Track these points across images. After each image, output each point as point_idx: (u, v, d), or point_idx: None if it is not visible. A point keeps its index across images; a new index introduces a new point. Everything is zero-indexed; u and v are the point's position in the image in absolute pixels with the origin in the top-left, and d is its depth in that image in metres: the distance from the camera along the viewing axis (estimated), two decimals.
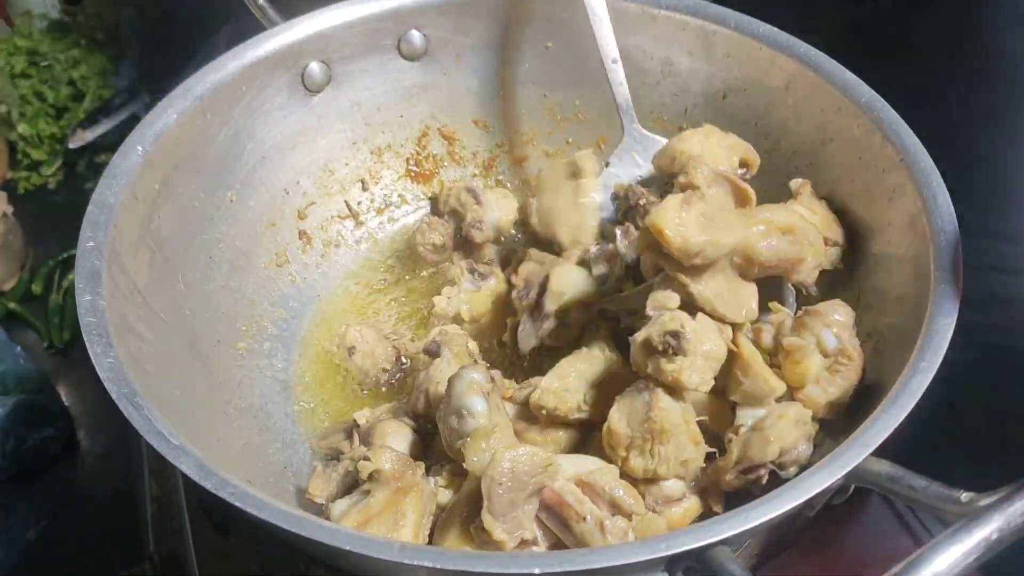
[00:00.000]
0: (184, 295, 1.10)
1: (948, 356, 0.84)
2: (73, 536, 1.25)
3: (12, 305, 1.52)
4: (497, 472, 0.87)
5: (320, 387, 1.18)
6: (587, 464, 0.93)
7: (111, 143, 1.59)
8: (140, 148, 1.07)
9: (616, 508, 0.89)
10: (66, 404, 1.34)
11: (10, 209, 1.58)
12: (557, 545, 0.89)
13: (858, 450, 0.77)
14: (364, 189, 1.35)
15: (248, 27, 1.22)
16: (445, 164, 1.38)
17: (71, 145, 1.54)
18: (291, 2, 1.24)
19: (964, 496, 0.71)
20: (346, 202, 1.33)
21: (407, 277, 1.31)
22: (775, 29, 1.18)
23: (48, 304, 1.53)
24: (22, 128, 1.64)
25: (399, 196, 1.37)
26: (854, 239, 1.09)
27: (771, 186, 1.22)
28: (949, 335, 0.85)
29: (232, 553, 1.09)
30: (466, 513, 0.89)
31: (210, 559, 1.10)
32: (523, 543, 0.88)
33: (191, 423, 0.94)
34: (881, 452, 0.78)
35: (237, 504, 0.78)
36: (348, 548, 0.74)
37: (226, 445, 1.01)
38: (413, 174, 1.37)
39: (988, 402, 1.07)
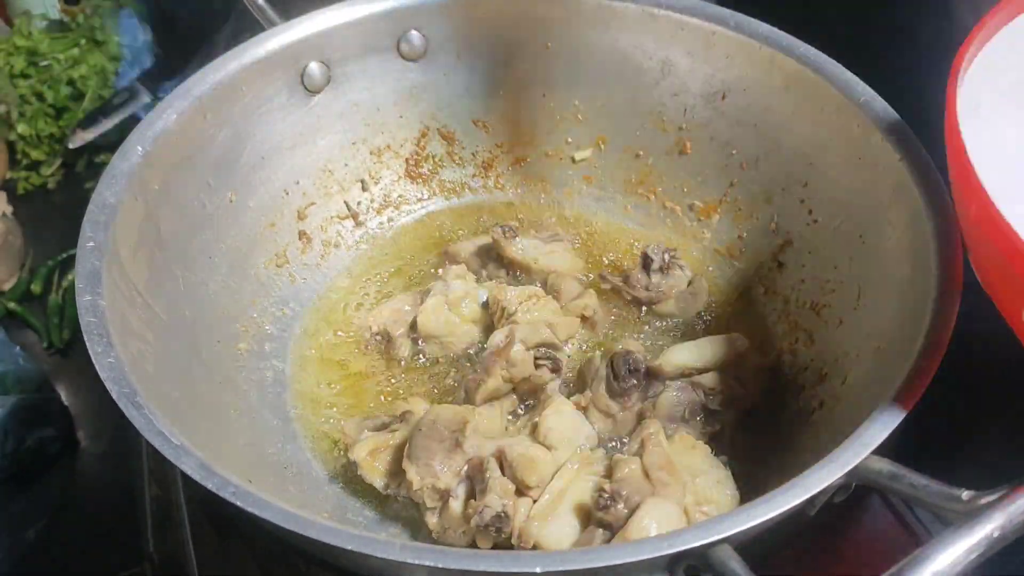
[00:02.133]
0: (184, 295, 1.10)
1: (948, 351, 0.84)
2: (73, 536, 1.25)
3: (11, 305, 1.52)
4: (421, 421, 1.00)
5: (321, 386, 1.18)
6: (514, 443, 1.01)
7: (111, 143, 1.58)
8: (140, 148, 1.07)
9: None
10: (66, 404, 1.34)
11: (9, 209, 1.59)
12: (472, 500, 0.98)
13: (859, 448, 0.77)
14: (364, 189, 1.35)
15: (248, 27, 1.22)
16: (444, 164, 1.38)
17: (71, 145, 1.54)
18: (291, 2, 1.24)
19: (965, 494, 0.71)
20: (345, 202, 1.33)
21: (407, 277, 1.31)
22: (775, 29, 1.18)
23: (47, 304, 1.52)
24: (21, 128, 1.64)
25: (399, 196, 1.37)
26: (854, 238, 1.10)
27: (771, 186, 1.23)
28: (949, 334, 0.85)
29: (232, 554, 1.09)
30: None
31: (210, 560, 1.09)
32: (438, 491, 0.97)
33: (191, 424, 0.94)
34: (882, 451, 0.78)
35: (239, 504, 0.78)
36: (350, 547, 0.74)
37: (226, 445, 1.01)
38: (412, 174, 1.37)
39: (984, 397, 1.07)
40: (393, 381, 1.18)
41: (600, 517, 0.90)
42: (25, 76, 1.66)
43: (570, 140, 1.36)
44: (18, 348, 1.30)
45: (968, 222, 0.83)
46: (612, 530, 0.89)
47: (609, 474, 0.96)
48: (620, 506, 0.89)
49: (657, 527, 0.87)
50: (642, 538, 0.84)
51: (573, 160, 1.37)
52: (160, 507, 1.15)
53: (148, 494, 1.17)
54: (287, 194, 1.27)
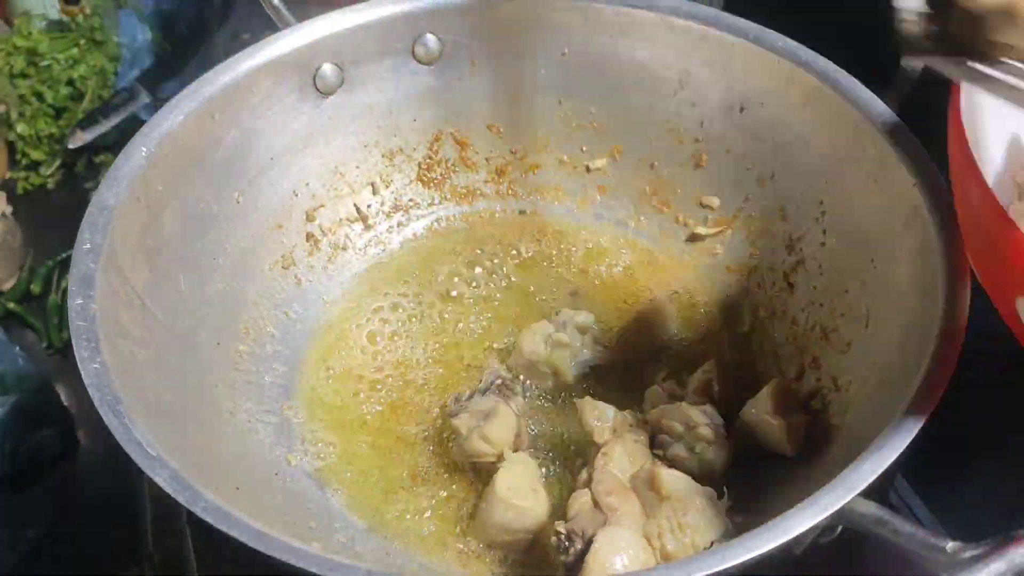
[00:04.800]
0: (184, 297, 1.09)
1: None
2: (72, 536, 1.25)
3: (11, 305, 1.52)
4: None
5: (321, 391, 1.17)
6: None
7: (110, 143, 1.60)
8: (144, 150, 1.07)
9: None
10: (65, 404, 1.34)
11: (9, 209, 1.60)
12: None
13: (843, 491, 0.74)
14: (374, 192, 1.33)
15: (247, 28, 1.22)
16: (457, 169, 1.36)
17: (70, 145, 1.55)
18: (305, 3, 1.23)
19: (950, 546, 0.69)
20: (355, 205, 1.32)
21: (414, 282, 1.29)
22: (795, 43, 1.15)
23: (47, 304, 1.53)
24: (21, 128, 1.65)
25: (410, 200, 1.35)
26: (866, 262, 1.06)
27: (786, 203, 1.20)
28: (947, 379, 0.82)
29: (232, 554, 1.09)
30: None
31: (209, 560, 1.09)
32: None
33: (180, 428, 0.94)
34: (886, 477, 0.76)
35: (208, 520, 0.79)
36: (314, 570, 0.74)
37: (215, 450, 1.00)
38: (424, 179, 1.36)
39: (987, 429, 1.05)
40: (394, 391, 1.18)
41: (562, 561, 0.89)
42: (25, 76, 1.67)
43: (585, 148, 1.34)
44: (18, 348, 1.30)
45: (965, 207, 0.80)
46: (576, 572, 0.87)
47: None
48: (577, 545, 0.88)
49: (614, 557, 0.86)
50: (604, 571, 0.83)
51: (588, 169, 1.35)
52: (160, 507, 1.15)
53: (148, 494, 1.17)
54: (296, 195, 1.26)
